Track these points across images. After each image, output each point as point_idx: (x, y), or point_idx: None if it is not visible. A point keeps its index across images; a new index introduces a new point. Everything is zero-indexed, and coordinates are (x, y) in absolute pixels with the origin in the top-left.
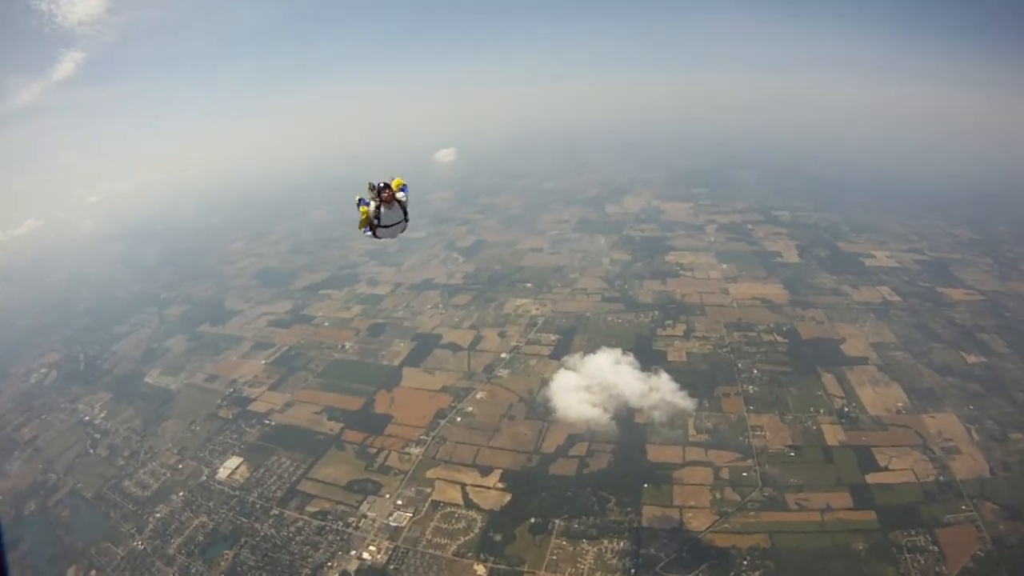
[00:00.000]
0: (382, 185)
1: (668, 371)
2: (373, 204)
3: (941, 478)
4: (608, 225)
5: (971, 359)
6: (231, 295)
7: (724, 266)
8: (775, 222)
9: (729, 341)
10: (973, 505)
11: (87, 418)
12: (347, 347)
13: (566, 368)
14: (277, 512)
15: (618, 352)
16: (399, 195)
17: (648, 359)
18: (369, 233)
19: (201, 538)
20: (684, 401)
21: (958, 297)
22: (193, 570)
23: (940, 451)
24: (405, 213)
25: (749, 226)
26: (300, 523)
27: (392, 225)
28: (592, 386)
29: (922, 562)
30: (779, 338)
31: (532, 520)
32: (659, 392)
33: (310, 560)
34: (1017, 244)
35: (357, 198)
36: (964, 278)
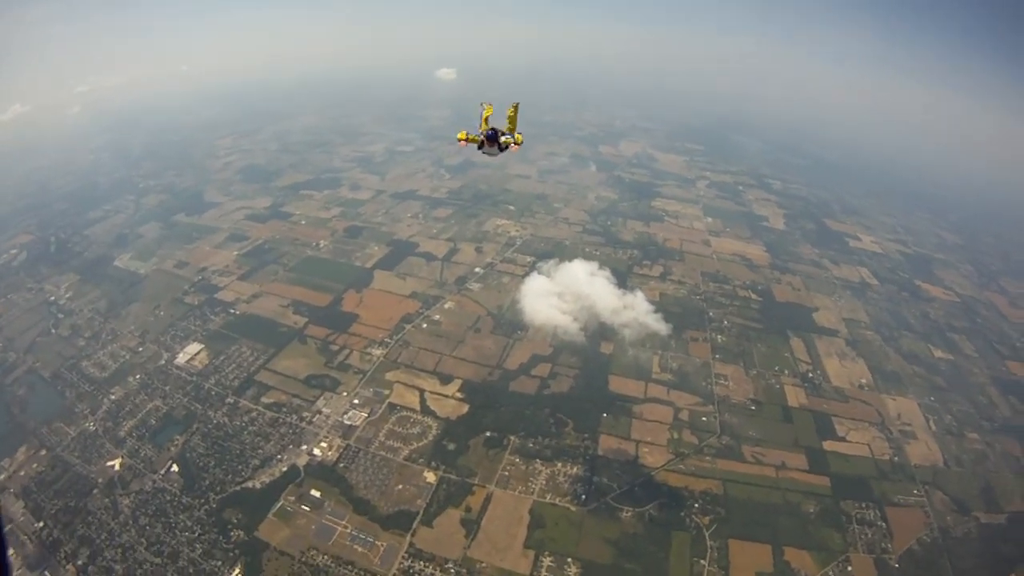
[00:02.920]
0: (489, 133)
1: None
2: (480, 137)
3: (896, 459)
4: (600, 164)
5: (938, 354)
6: (211, 188)
7: (709, 219)
8: (767, 188)
9: (704, 290)
10: (924, 491)
11: (52, 298)
12: (321, 245)
13: (539, 273)
14: (232, 400)
15: (594, 265)
16: (503, 139)
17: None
18: (461, 143)
19: (153, 422)
20: (658, 324)
21: (935, 294)
22: (142, 453)
23: (898, 433)
24: (501, 149)
25: (740, 188)
26: (254, 414)
27: (490, 153)
28: (564, 293)
29: (869, 535)
30: (754, 295)
31: (487, 434)
32: (633, 311)
33: (260, 452)
34: (1000, 258)
35: (464, 134)
36: (944, 277)
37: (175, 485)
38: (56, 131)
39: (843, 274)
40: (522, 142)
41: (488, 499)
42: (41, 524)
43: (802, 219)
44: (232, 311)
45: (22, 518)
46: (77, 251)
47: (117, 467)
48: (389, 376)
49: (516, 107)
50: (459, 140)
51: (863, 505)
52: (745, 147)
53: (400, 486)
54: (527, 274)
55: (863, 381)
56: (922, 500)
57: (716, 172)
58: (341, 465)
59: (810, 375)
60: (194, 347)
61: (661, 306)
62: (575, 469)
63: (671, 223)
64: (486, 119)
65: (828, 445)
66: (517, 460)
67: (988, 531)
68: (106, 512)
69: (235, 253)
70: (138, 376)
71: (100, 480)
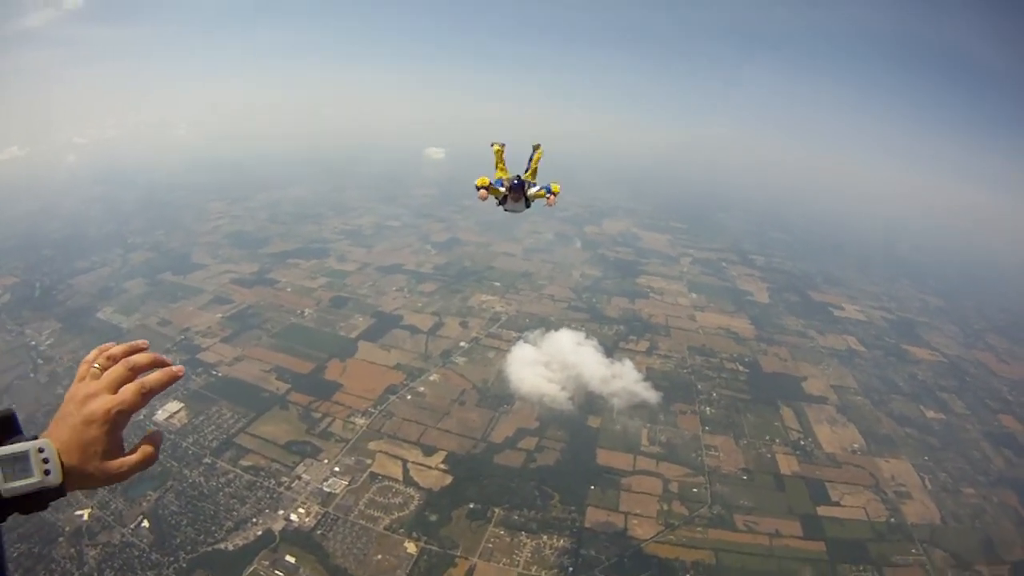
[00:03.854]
0: (515, 182)
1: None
2: (502, 188)
3: (892, 520)
4: (584, 243)
5: (930, 414)
6: (199, 250)
7: (694, 295)
8: (750, 264)
9: (691, 363)
10: (923, 550)
11: (33, 343)
12: (306, 313)
13: (525, 342)
14: (209, 461)
15: (581, 334)
16: (533, 191)
17: None
18: (482, 192)
19: None
20: (647, 392)
21: (922, 356)
22: (112, 506)
23: (893, 494)
24: (527, 204)
25: (723, 264)
26: (231, 475)
27: (514, 209)
28: (551, 362)
29: None
30: (741, 367)
31: (471, 505)
32: (622, 380)
33: (235, 514)
34: (983, 319)
35: (485, 181)
36: (930, 340)
37: (144, 541)
38: (50, 177)
39: (829, 343)
40: (559, 192)
41: (471, 571)
42: None
43: (786, 292)
44: (214, 372)
45: None
46: (61, 299)
47: (86, 517)
48: (372, 445)
49: (539, 149)
50: (478, 189)
51: (861, 568)
52: (727, 224)
53: (379, 556)
54: (513, 344)
55: (855, 446)
56: (922, 559)
57: (699, 249)
58: (319, 532)
59: (801, 443)
60: (174, 405)
61: (649, 380)
62: (562, 542)
63: (656, 299)
64: (499, 163)
65: (822, 510)
66: (502, 532)
67: None
68: (71, 561)
69: (219, 316)
70: None
71: (67, 528)
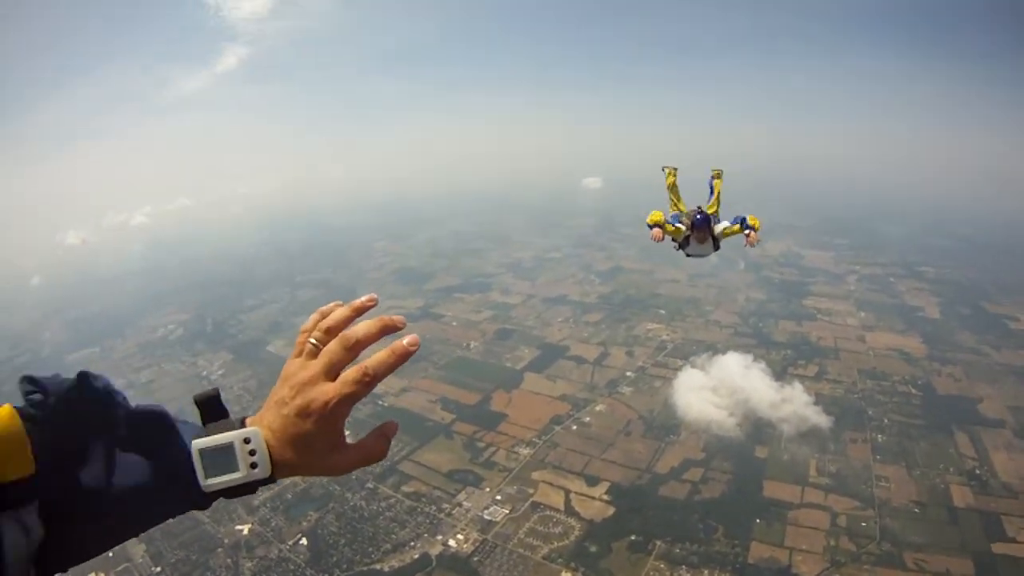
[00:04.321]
0: (698, 218)
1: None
2: (681, 226)
3: None
4: (748, 265)
5: None
6: (365, 286)
7: (862, 314)
8: (918, 276)
9: (861, 388)
10: None
11: (205, 372)
12: (472, 346)
13: (692, 367)
14: (372, 486)
15: (749, 357)
16: (721, 228)
17: None
18: (656, 232)
19: (290, 496)
20: (818, 416)
21: None
22: (273, 523)
23: None
24: (716, 244)
25: (891, 279)
26: (392, 500)
27: (700, 253)
28: (719, 388)
29: None
30: (913, 390)
31: (632, 537)
32: (792, 404)
33: (394, 537)
34: None
35: (659, 217)
36: None
37: (301, 557)
38: (218, 225)
39: (1006, 359)
40: (761, 228)
41: None
42: (159, 569)
43: (958, 305)
44: (380, 403)
45: (140, 560)
46: (232, 333)
47: (246, 532)
48: (535, 475)
49: (719, 175)
50: (651, 228)
51: None
52: (890, 235)
53: None
54: (679, 371)
55: None
56: None
57: (864, 264)
58: (475, 559)
59: (977, 471)
60: None
61: (818, 406)
62: None
63: (824, 320)
64: (673, 193)
65: (997, 548)
66: (662, 566)
67: None
68: (226, 571)
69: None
70: None
71: (226, 541)
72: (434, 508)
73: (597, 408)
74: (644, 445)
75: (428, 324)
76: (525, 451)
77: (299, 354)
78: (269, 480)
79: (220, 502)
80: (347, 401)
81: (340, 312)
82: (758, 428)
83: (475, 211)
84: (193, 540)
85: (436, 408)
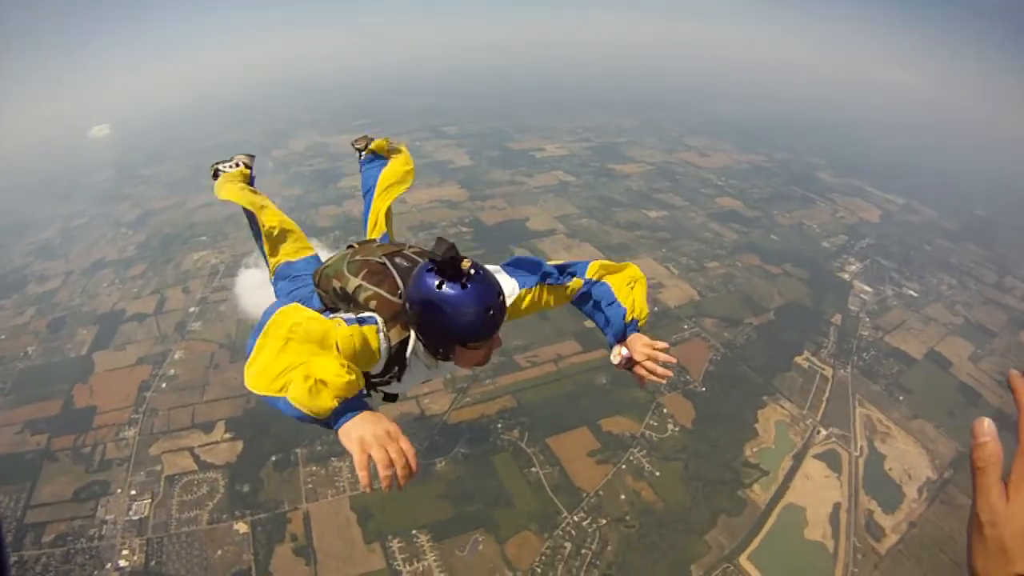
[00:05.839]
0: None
1: None
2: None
3: (656, 308)
4: (276, 165)
5: (653, 214)
6: None
7: None
8: (443, 136)
9: (415, 241)
10: (694, 323)
11: None
12: (30, 352)
13: (247, 267)
14: (15, 559)
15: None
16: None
17: None
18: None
19: None
20: None
21: (630, 170)
22: None
23: (649, 288)
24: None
25: (418, 143)
26: (44, 559)
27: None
28: None
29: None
30: (464, 228)
31: (273, 458)
32: None
33: None
34: (678, 124)
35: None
36: (633, 155)
37: None
38: None
39: (540, 182)
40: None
41: (306, 518)
42: None
43: (485, 151)
44: None
45: None
46: None
47: None
48: (153, 451)
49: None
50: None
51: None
52: (410, 106)
53: (219, 552)
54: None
55: (602, 258)
56: (695, 330)
57: (391, 136)
58: (153, 563)
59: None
60: None
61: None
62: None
63: (360, 196)
64: (384, 205)
65: (589, 323)
66: (313, 468)
67: (764, 329)
68: None
69: None
70: None
71: None
72: (84, 541)
73: (177, 356)
74: (236, 370)
75: None
76: (131, 433)
77: None
78: None
79: None
80: None
81: None
82: None
83: None
84: None
85: (26, 436)
